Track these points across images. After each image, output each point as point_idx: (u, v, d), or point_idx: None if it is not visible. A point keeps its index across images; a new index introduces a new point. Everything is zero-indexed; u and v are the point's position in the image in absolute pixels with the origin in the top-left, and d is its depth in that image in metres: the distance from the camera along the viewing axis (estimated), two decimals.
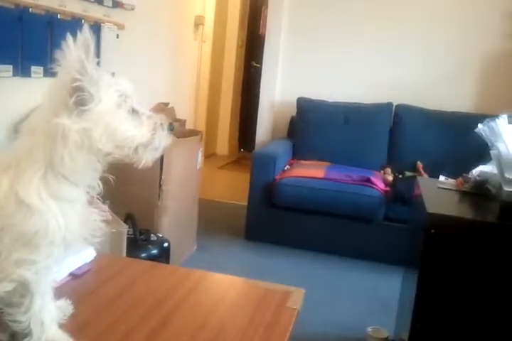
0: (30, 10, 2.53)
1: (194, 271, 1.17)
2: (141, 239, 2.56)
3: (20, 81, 2.50)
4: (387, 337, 2.19)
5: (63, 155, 0.76)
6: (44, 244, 0.74)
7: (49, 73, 2.69)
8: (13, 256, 0.73)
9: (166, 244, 2.65)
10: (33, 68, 2.57)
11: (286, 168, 3.74)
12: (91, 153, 0.78)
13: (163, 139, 0.85)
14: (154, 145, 0.84)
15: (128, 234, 2.50)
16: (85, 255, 1.12)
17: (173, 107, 3.62)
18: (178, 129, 3.20)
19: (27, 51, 2.52)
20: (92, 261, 1.14)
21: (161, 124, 0.85)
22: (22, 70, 2.53)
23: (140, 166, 0.85)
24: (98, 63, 0.84)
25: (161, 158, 2.76)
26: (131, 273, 1.13)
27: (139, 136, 0.82)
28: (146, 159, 0.85)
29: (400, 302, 2.16)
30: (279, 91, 4.43)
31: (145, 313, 0.96)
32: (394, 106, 3.91)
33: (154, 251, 2.56)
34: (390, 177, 3.57)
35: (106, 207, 2.17)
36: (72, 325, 0.86)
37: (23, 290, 0.74)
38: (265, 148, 3.80)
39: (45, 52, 2.62)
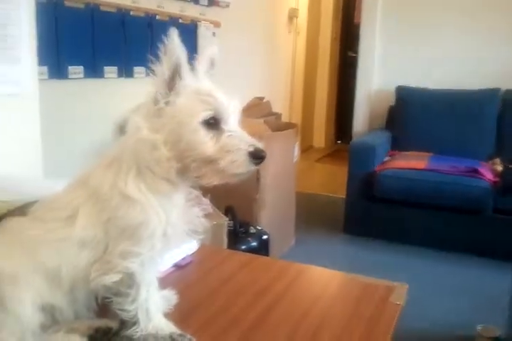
0: (131, 13, 2.65)
1: (294, 263, 1.17)
2: (240, 231, 2.60)
3: (124, 82, 2.63)
4: (499, 336, 2.06)
5: (144, 153, 0.78)
6: (146, 237, 0.77)
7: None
8: (118, 247, 0.77)
9: (265, 237, 2.67)
10: (136, 69, 2.69)
11: (386, 159, 3.64)
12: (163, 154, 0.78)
13: (235, 165, 0.77)
14: (220, 166, 0.77)
15: (228, 226, 2.55)
16: (188, 247, 1.15)
17: (268, 101, 3.64)
18: (273, 123, 3.22)
19: (130, 53, 2.64)
20: (194, 252, 1.17)
21: (239, 149, 0.77)
22: (126, 71, 2.65)
23: (202, 183, 0.80)
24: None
25: None
26: (232, 265, 1.14)
27: (202, 151, 0.77)
28: (209, 178, 0.79)
29: None
30: (377, 80, 4.31)
31: (247, 304, 0.97)
32: (502, 92, 3.66)
33: (254, 244, 2.59)
34: (500, 168, 3.35)
35: (207, 201, 2.22)
36: (177, 315, 0.89)
37: (130, 280, 0.77)
38: (363, 139, 3.71)
39: (147, 52, 2.74)
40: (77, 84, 2.42)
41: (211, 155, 0.77)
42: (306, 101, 5.94)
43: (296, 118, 5.45)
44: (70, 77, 2.37)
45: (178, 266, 1.10)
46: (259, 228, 2.73)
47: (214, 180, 0.80)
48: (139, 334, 0.78)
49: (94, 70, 2.49)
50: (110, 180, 0.78)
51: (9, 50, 1.33)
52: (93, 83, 2.49)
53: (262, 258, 1.22)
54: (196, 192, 0.88)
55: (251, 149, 0.78)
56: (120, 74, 2.63)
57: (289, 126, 3.27)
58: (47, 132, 2.08)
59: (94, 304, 0.83)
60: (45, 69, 2.24)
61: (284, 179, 3.09)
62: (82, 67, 2.42)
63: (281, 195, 3.09)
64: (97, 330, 0.78)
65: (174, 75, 0.79)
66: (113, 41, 2.56)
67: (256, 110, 3.44)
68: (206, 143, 0.78)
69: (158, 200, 0.79)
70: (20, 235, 0.79)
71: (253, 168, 0.79)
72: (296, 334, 0.88)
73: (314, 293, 1.04)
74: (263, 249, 2.65)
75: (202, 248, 1.19)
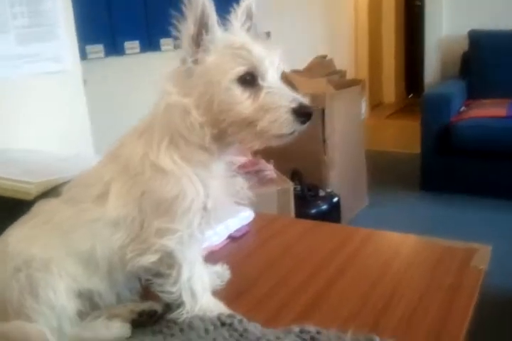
0: None
1: (360, 228, 1.06)
2: (309, 195, 2.51)
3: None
4: None
5: (175, 120, 0.70)
6: (183, 212, 0.69)
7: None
8: (154, 224, 0.70)
9: (335, 199, 2.57)
10: (162, 41, 2.53)
11: (462, 110, 3.40)
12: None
13: (277, 124, 0.67)
14: (259, 128, 0.67)
15: (296, 190, 2.46)
16: (244, 216, 1.07)
17: (331, 59, 3.46)
18: (337, 81, 3.06)
19: (153, 24, 2.48)
20: (251, 222, 1.08)
21: (279, 106, 0.67)
22: (151, 45, 2.50)
23: (245, 147, 0.73)
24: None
25: (322, 112, 2.66)
26: (292, 233, 1.05)
27: (238, 113, 0.68)
28: (249, 142, 0.71)
29: None
30: (446, 26, 3.99)
31: (307, 276, 0.87)
32: None
33: (324, 207, 2.51)
34: None
35: (270, 166, 2.15)
36: (230, 292, 0.82)
37: (170, 260, 0.71)
38: (436, 89, 3.51)
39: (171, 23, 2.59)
40: (135, 60, 2.36)
41: (249, 116, 0.68)
42: (373, 55, 5.63)
43: (363, 74, 5.19)
44: (126, 52, 2.32)
45: (233, 238, 1.02)
46: (329, 190, 2.62)
47: (255, 144, 0.71)
48: (184, 316, 0.71)
49: (150, 44, 2.41)
50: (141, 152, 0.71)
51: (45, 27, 1.27)
52: (150, 57, 2.42)
53: (324, 225, 1.12)
54: (252, 159, 0.79)
55: (294, 105, 0.68)
56: (178, 46, 2.52)
57: (354, 83, 3.12)
58: (106, 110, 2.05)
59: (138, 286, 0.77)
60: (100, 47, 2.20)
61: (352, 138, 2.95)
62: (137, 41, 2.35)
63: (351, 155, 2.95)
64: (141, 314, 0.72)
65: (200, 29, 0.70)
66: (168, 12, 2.46)
67: (318, 69, 3.29)
68: (242, 102, 0.69)
69: (195, 171, 0.71)
70: (52, 218, 0.73)
71: (299, 127, 0.69)
72: (364, 307, 0.79)
73: (384, 261, 0.93)
74: (334, 212, 2.55)
75: (259, 216, 1.10)
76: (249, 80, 0.69)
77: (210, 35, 0.70)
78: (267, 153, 2.15)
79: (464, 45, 3.73)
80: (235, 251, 0.98)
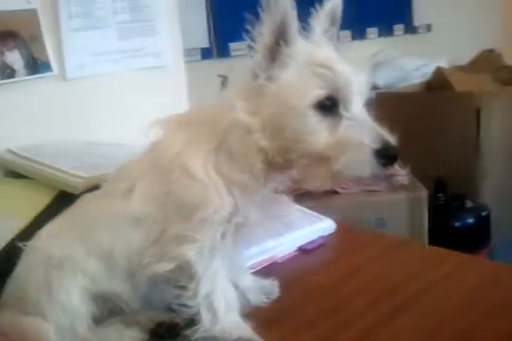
0: None
1: (457, 254, 0.89)
2: (454, 205, 2.26)
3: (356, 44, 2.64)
4: None
5: (231, 135, 0.63)
6: (203, 221, 0.63)
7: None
8: (173, 229, 0.64)
9: (484, 213, 2.28)
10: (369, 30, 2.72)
11: None
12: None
13: (355, 166, 0.58)
14: (336, 167, 0.59)
15: (439, 200, 2.25)
16: (320, 227, 0.97)
17: (500, 53, 3.08)
18: (505, 78, 2.72)
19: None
20: (330, 234, 0.98)
21: (360, 145, 0.58)
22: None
23: (305, 186, 0.64)
24: None
25: (477, 112, 2.37)
26: (372, 251, 0.91)
27: (309, 143, 0.59)
28: (320, 179, 0.62)
29: None
30: None
31: (366, 306, 0.74)
32: None
33: (470, 220, 2.25)
34: None
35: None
36: (270, 313, 0.73)
37: (190, 270, 0.64)
38: None
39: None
40: None
41: (323, 150, 0.60)
42: None
43: None
44: None
45: (303, 250, 0.93)
46: (479, 202, 2.33)
47: (326, 184, 0.63)
48: (198, 335, 0.64)
49: None
50: (177, 148, 0.65)
51: (146, 22, 1.28)
52: None
53: (412, 245, 0.96)
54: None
55: (377, 145, 0.58)
56: (354, 37, 2.63)
57: None
58: None
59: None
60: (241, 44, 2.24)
61: None
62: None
63: None
64: (160, 325, 0.68)
65: (278, 40, 0.61)
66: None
67: (484, 64, 2.96)
68: (317, 133, 0.60)
69: (226, 184, 0.64)
70: (82, 213, 0.72)
71: (380, 170, 0.59)
72: None
73: (466, 299, 0.75)
74: (482, 227, 2.27)
75: (342, 228, 0.99)
76: (329, 106, 0.60)
77: (289, 48, 0.61)
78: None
79: None
80: (298, 266, 0.88)
